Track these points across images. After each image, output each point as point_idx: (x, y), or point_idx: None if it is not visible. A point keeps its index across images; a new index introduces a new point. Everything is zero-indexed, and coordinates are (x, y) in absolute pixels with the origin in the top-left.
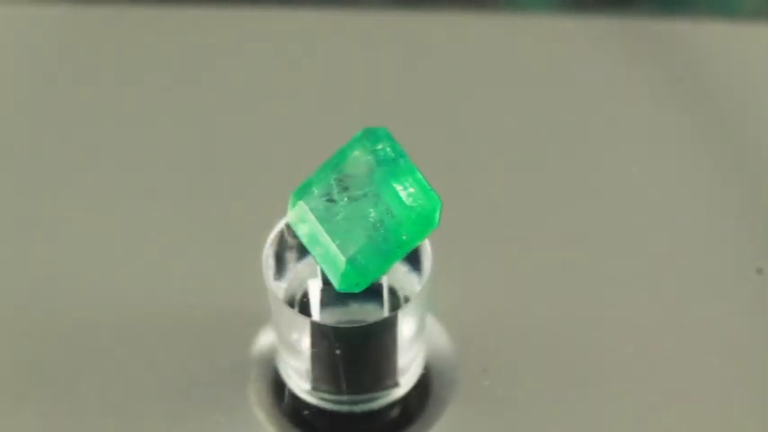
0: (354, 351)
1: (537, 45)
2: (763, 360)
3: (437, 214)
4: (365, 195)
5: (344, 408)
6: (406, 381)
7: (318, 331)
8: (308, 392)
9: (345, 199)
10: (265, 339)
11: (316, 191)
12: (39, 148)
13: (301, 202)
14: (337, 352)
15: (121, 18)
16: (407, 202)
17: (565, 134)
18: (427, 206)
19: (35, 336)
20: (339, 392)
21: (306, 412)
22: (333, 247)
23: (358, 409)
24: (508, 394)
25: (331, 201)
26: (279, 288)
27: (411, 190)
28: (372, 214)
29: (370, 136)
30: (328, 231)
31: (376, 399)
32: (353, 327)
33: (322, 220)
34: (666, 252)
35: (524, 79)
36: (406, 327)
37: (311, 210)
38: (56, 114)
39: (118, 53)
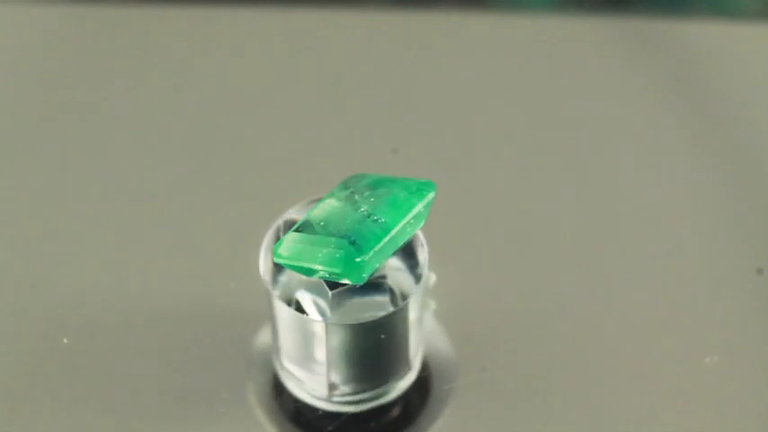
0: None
1: (537, 45)
2: (763, 360)
3: (354, 259)
4: (365, 211)
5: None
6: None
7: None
8: (321, 398)
9: (359, 205)
10: (264, 339)
11: (362, 183)
12: (38, 147)
13: (345, 181)
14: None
15: (121, 18)
16: (355, 228)
17: (565, 134)
18: (352, 250)
19: (35, 336)
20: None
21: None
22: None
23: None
24: (508, 394)
25: (354, 194)
26: (276, 285)
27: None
28: (348, 224)
29: (424, 188)
30: (319, 210)
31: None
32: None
33: (333, 203)
34: (666, 252)
35: (524, 79)
36: (402, 326)
37: (339, 189)
38: (55, 114)
39: (118, 53)
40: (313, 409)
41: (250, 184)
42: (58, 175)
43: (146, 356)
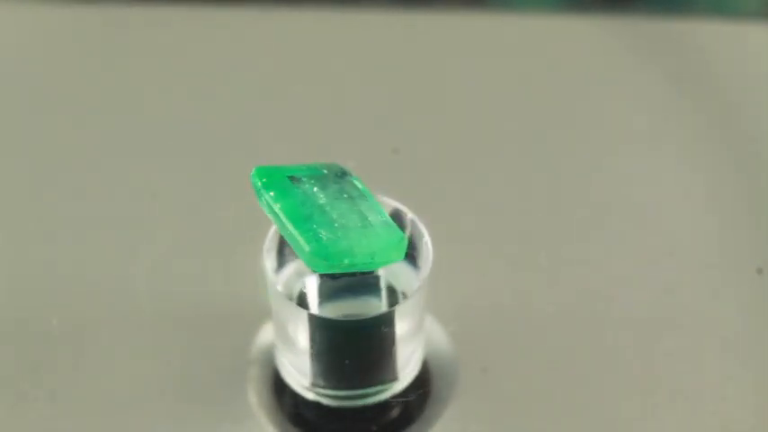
0: (353, 345)
1: (537, 45)
2: (763, 360)
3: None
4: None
5: (344, 403)
6: (404, 376)
7: (317, 324)
8: (307, 389)
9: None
10: (265, 339)
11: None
12: (38, 147)
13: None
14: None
15: (121, 18)
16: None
17: (565, 134)
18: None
19: (35, 336)
20: (338, 388)
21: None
22: None
23: (358, 403)
24: (508, 394)
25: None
26: (278, 281)
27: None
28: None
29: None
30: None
31: (374, 394)
32: (351, 320)
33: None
34: (667, 252)
35: (524, 79)
36: (404, 323)
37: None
38: (55, 114)
39: (118, 53)
40: (313, 409)
41: (251, 184)
42: (59, 175)
43: (146, 356)
